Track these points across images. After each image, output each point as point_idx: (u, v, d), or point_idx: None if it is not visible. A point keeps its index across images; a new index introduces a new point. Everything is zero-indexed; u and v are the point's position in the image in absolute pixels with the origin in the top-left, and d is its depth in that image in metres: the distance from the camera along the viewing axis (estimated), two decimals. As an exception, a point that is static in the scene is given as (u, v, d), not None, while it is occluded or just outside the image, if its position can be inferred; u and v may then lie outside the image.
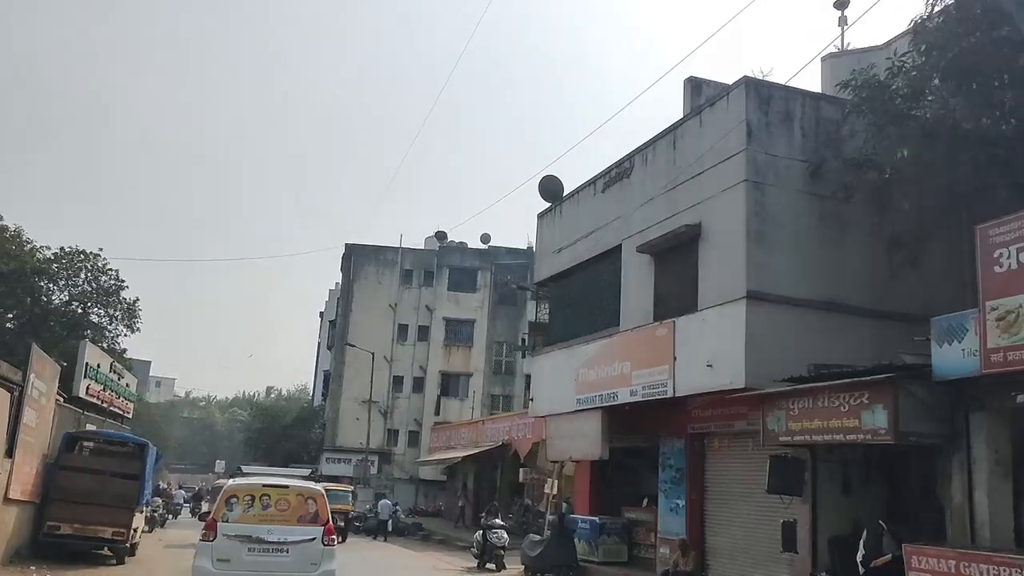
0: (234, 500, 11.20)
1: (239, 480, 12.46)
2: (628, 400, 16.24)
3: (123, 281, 35.90)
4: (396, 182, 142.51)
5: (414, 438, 49.08)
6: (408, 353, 49.74)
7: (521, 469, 24.37)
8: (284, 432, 61.66)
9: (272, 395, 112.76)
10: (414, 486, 48.03)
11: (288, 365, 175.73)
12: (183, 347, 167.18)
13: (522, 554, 19.45)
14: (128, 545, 17.56)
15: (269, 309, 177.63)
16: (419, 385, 49.47)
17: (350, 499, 31.44)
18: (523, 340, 21.10)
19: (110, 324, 36.24)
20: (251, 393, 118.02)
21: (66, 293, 34.76)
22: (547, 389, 20.24)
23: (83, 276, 35.18)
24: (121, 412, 27.12)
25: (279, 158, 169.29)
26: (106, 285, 35.48)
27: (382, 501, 35.64)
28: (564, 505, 21.45)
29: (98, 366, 23.13)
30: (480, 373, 49.08)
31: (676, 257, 15.60)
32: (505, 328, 49.81)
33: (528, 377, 49.92)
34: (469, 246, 51.74)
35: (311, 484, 12.47)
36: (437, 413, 48.21)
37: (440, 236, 51.79)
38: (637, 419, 17.29)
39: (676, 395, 14.86)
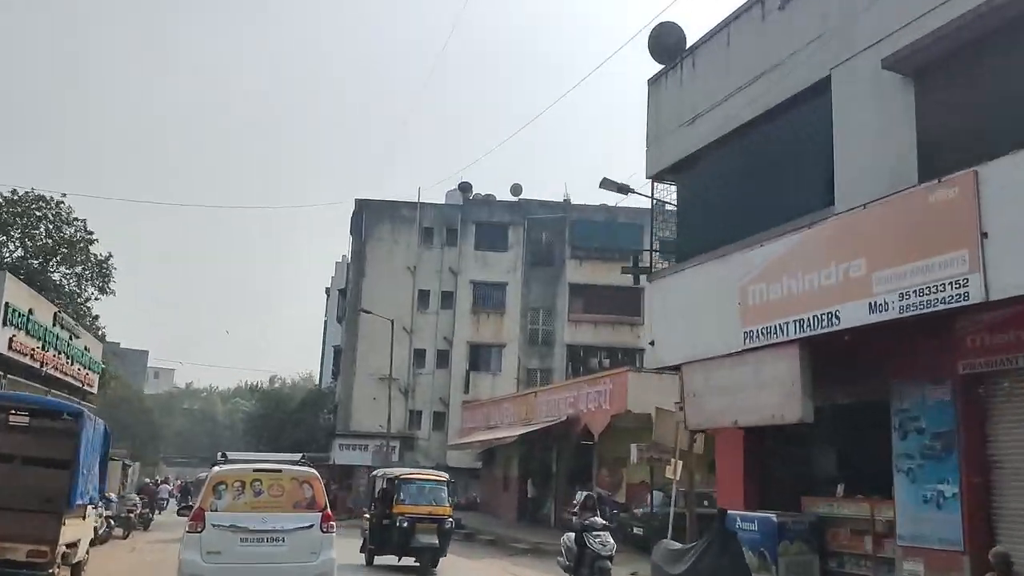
0: (223, 487, 10.37)
1: (227, 466, 11.10)
2: (865, 320, 9.77)
3: (91, 233, 29.56)
4: (410, 129, 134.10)
5: (439, 420, 42.74)
6: (430, 323, 43.32)
7: (634, 447, 17.91)
8: (290, 418, 55.33)
9: (276, 384, 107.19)
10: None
11: (292, 353, 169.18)
12: (178, 332, 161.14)
13: (655, 571, 13.07)
14: (55, 570, 11.18)
15: (271, 289, 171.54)
16: (444, 359, 43.09)
17: (447, 496, 17.69)
18: (634, 260, 14.00)
19: (78, 285, 29.87)
20: (254, 383, 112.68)
21: (20, 246, 28.39)
22: (681, 326, 13.78)
23: (43, 228, 28.85)
24: (78, 383, 20.78)
25: (279, 107, 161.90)
26: (71, 238, 29.12)
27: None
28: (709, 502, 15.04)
29: (29, 312, 16.70)
30: (514, 343, 42.70)
31: (964, 68, 9.17)
32: (541, 292, 43.42)
33: (571, 349, 43.81)
34: (497, 199, 45.29)
35: (305, 468, 11.40)
36: (466, 391, 41.86)
37: (464, 188, 45.30)
38: (852, 357, 10.93)
39: (990, 298, 8.41)
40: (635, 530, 20.18)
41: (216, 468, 11.27)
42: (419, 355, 42.96)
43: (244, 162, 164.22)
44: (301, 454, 14.45)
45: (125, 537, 23.26)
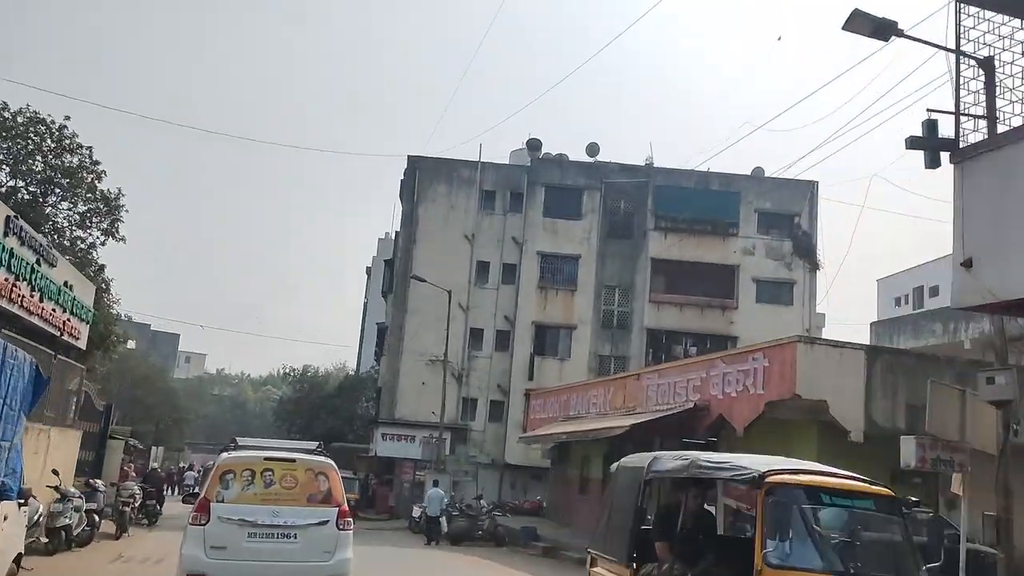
0: (230, 476, 9.38)
1: (235, 453, 10.01)
2: None
3: (98, 163, 24.44)
4: (472, 81, 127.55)
5: (497, 409, 37.19)
6: (489, 299, 37.79)
7: (912, 442, 11.75)
8: (325, 405, 50.32)
9: (309, 373, 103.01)
10: (497, 473, 36.22)
11: (326, 339, 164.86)
12: (209, 313, 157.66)
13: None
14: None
15: (306, 272, 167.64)
16: (504, 341, 37.54)
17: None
18: (929, 127, 7.88)
19: (81, 226, 24.77)
20: (287, 371, 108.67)
21: (11, 174, 23.35)
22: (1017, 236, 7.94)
23: (39, 158, 23.80)
24: (52, 329, 15.47)
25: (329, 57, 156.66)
26: (72, 167, 24.02)
27: (431, 491, 25.26)
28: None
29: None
30: (586, 326, 37.02)
31: None
32: (618, 269, 37.70)
33: (651, 334, 38.01)
34: (570, 159, 39.64)
35: (322, 458, 10.11)
36: (530, 377, 36.26)
37: (533, 145, 39.72)
38: None
39: None
40: None
41: (224, 455, 10.11)
42: (475, 335, 37.48)
43: (287, 108, 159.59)
44: (318, 443, 12.40)
45: (117, 537, 18.03)
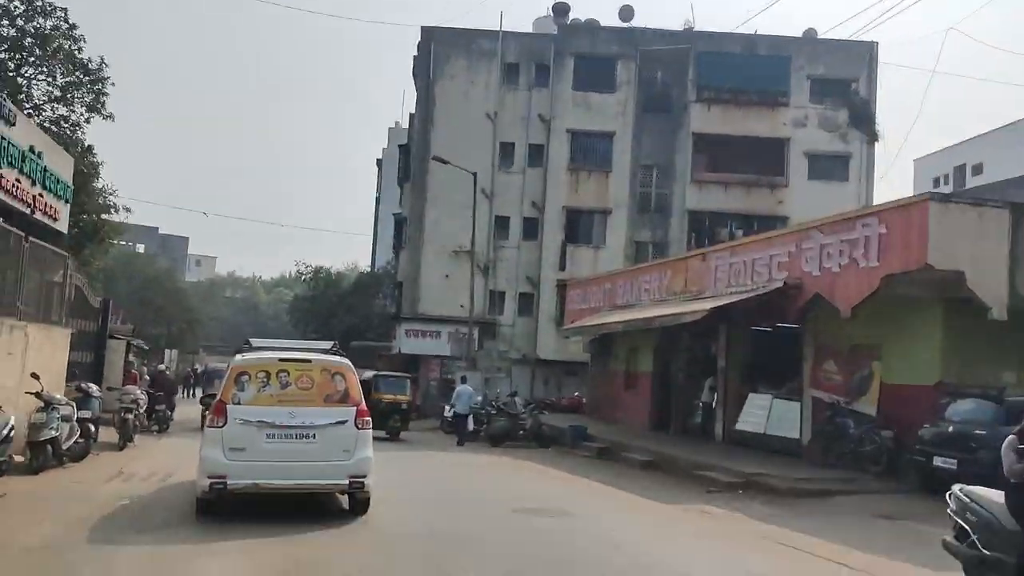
0: (245, 378, 9.22)
1: (250, 355, 9.92)
2: None
3: (74, 27, 21.20)
4: None
5: (526, 302, 34.73)
6: (515, 184, 34.81)
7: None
8: (341, 302, 48.07)
9: (322, 273, 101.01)
10: (529, 369, 34.07)
11: (337, 242, 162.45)
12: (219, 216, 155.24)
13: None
14: None
15: (316, 168, 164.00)
16: (532, 228, 34.74)
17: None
18: None
19: (62, 101, 21.74)
20: (299, 270, 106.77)
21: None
22: None
23: (6, 21, 20.57)
24: (26, 207, 12.75)
25: None
26: (45, 32, 20.81)
27: (460, 388, 23.75)
28: None
29: None
30: (622, 210, 34.11)
31: None
32: (656, 146, 34.50)
33: (693, 216, 35.00)
34: (602, 25, 35.85)
35: (338, 358, 10.13)
36: (561, 267, 33.64)
37: (559, 10, 35.92)
38: None
39: None
40: (938, 461, 12.07)
41: (238, 357, 9.86)
42: (501, 224, 34.70)
43: None
44: (333, 342, 12.29)
45: (121, 448, 15.81)
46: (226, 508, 9.00)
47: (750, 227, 32.04)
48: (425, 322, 34.14)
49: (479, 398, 26.47)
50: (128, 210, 29.95)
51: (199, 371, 48.88)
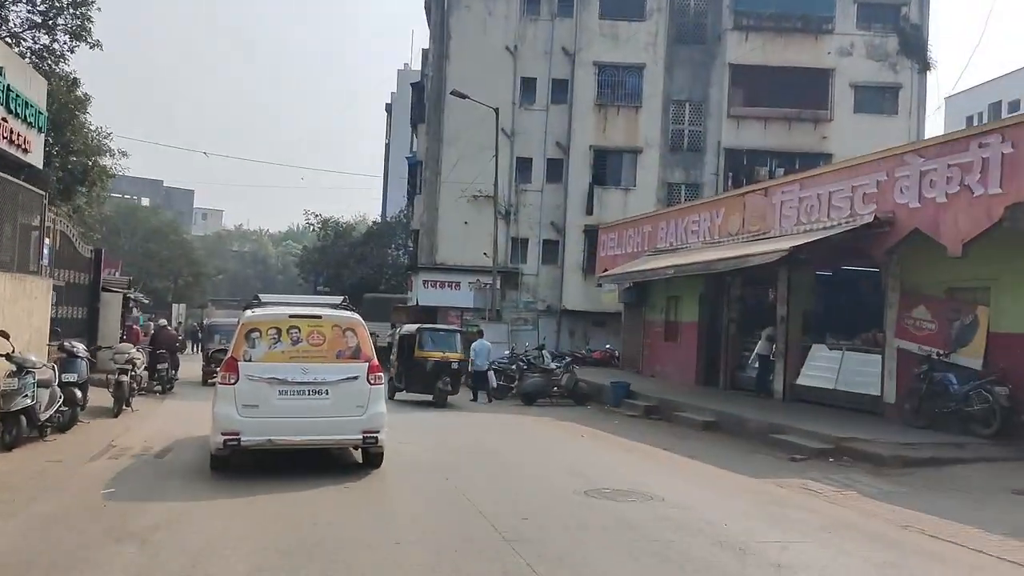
0: (256, 335, 9.13)
1: (260, 311, 9.67)
2: None
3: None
4: None
5: (550, 250, 32.64)
6: (538, 122, 32.45)
7: None
8: (352, 253, 46.10)
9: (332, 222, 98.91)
10: (554, 320, 32.13)
11: (345, 193, 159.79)
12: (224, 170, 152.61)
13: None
14: None
15: (321, 112, 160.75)
16: (556, 170, 32.49)
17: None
18: None
19: (42, 25, 19.51)
20: (308, 220, 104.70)
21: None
22: None
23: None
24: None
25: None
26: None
27: (477, 343, 21.39)
28: None
29: None
30: (653, 149, 31.80)
31: None
32: (689, 79, 32.04)
33: (730, 155, 32.67)
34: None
35: (349, 313, 9.89)
36: (588, 211, 31.47)
37: (585, -69, 33.09)
38: None
39: None
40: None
41: (248, 313, 9.64)
42: (523, 166, 32.42)
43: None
44: (343, 297, 11.58)
45: (116, 414, 13.96)
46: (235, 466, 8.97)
47: (791, 165, 29.77)
48: (444, 272, 32.12)
49: (507, 352, 24.66)
50: (124, 154, 27.98)
51: (208, 326, 47.17)
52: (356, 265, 44.14)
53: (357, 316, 9.82)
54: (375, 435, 9.12)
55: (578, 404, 20.24)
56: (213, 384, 10.83)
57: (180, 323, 49.16)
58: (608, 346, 28.34)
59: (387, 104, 62.54)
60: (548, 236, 32.58)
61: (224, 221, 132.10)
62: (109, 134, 27.42)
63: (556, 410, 18.98)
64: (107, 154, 27.23)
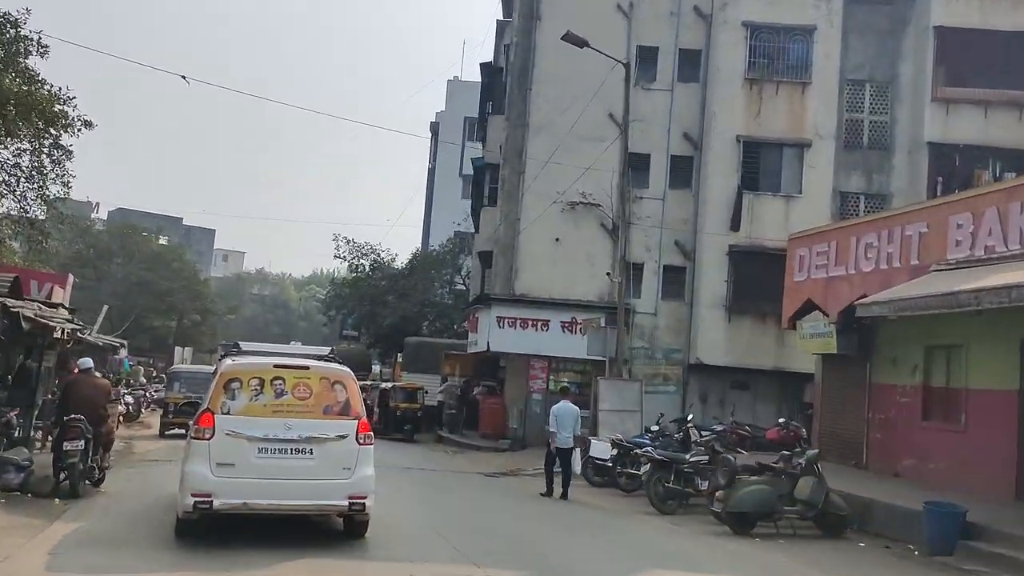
0: (236, 385, 8.40)
1: (241, 359, 9.02)
2: None
3: None
4: None
5: (674, 280, 23.67)
6: (658, 106, 23.78)
7: None
8: (392, 286, 37.35)
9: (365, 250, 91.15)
10: (682, 378, 22.93)
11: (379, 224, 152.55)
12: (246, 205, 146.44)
13: None
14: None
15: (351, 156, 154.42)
16: (683, 171, 23.78)
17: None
18: None
19: None
20: (331, 271, 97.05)
21: None
22: None
23: None
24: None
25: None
26: None
27: (559, 408, 14.43)
28: None
29: None
30: (826, 142, 22.90)
31: None
32: (869, 52, 23.38)
33: (936, 151, 22.86)
34: None
35: (338, 366, 9.14)
36: (735, 226, 22.47)
37: None
38: None
39: None
40: None
41: (228, 361, 8.98)
42: (637, 165, 23.51)
43: None
44: (330, 348, 10.61)
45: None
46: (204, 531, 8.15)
47: (1017, 167, 20.88)
48: (527, 307, 23.14)
49: (654, 427, 15.91)
50: (89, 125, 19.97)
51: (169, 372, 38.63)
52: (397, 301, 35.31)
53: (347, 369, 9.05)
54: (362, 501, 8.32)
55: (828, 535, 11.10)
56: (170, 436, 9.63)
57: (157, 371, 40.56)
58: (787, 421, 18.90)
59: (432, 123, 54.45)
60: (671, 261, 23.64)
61: (245, 264, 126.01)
62: (72, 97, 19.41)
63: (797, 547, 9.94)
64: (59, 122, 19.09)
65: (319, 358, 9.35)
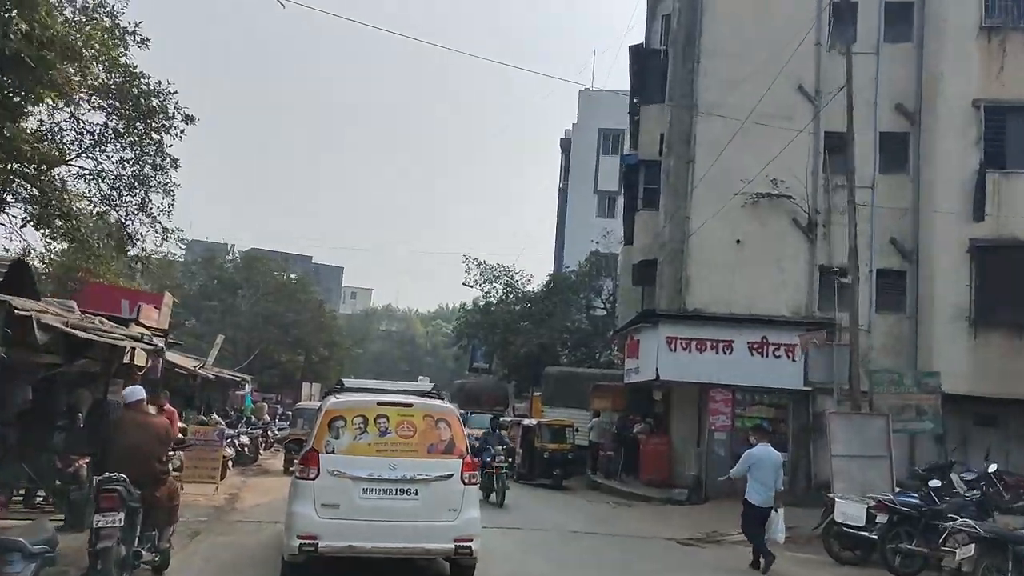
0: (340, 424, 8.12)
1: (344, 397, 8.78)
2: None
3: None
4: None
5: (891, 287, 18.86)
6: (860, 73, 18.98)
7: None
8: (528, 312, 33.64)
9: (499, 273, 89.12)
10: (939, 411, 17.89)
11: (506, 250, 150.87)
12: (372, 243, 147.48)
13: None
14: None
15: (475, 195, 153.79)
16: (896, 152, 19.07)
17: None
18: None
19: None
20: (457, 305, 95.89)
21: None
22: None
23: None
24: None
25: None
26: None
27: (755, 452, 10.80)
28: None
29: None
30: (1096, 102, 17.64)
31: None
32: None
33: None
34: None
35: (442, 402, 8.95)
36: (978, 216, 17.44)
37: None
38: None
39: None
40: None
41: (331, 399, 8.78)
42: (836, 147, 18.85)
43: None
44: (432, 383, 10.39)
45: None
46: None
47: None
48: (701, 324, 18.77)
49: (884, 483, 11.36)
50: (190, 120, 17.32)
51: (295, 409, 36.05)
52: (536, 328, 31.53)
53: (450, 405, 8.94)
54: (468, 544, 7.92)
55: None
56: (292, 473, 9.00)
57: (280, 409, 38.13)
58: (994, 467, 13.65)
59: (562, 139, 51.00)
60: (886, 264, 18.85)
61: (373, 300, 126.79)
62: (173, 92, 16.84)
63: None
64: (157, 116, 16.47)
65: (423, 395, 9.10)
